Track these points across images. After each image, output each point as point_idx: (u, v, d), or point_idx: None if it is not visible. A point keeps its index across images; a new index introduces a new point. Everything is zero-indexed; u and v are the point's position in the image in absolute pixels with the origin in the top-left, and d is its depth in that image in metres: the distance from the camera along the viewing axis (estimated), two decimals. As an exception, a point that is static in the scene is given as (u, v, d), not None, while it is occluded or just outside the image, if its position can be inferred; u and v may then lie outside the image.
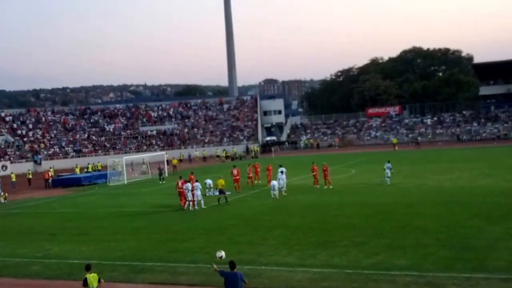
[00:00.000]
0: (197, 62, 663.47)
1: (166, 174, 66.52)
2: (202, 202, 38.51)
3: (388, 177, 43.54)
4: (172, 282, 20.48)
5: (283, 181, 42.04)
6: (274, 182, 40.86)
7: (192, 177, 43.04)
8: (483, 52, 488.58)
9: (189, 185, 38.66)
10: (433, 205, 32.60)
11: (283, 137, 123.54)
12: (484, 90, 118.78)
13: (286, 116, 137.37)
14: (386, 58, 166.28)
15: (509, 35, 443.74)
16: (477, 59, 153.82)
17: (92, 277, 15.79)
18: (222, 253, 15.50)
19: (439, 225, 26.56)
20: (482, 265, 19.42)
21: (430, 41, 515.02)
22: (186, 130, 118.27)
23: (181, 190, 39.48)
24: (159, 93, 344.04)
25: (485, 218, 27.69)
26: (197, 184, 38.72)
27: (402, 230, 25.86)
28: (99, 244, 28.02)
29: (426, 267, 19.64)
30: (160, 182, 59.70)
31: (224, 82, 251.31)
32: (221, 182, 41.79)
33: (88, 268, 16.12)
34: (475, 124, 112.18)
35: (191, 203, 38.21)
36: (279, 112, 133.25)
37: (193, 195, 38.24)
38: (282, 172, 42.91)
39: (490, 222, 26.58)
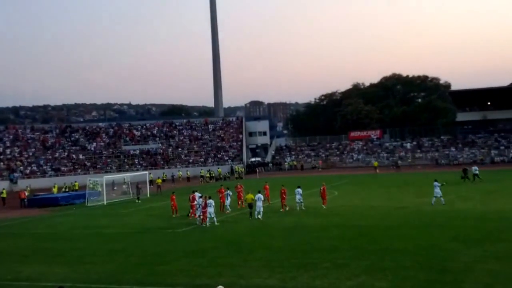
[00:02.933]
0: (183, 82, 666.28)
1: (148, 195, 66.06)
2: (215, 219, 38.97)
3: (440, 196, 43.26)
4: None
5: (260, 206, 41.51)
6: (259, 204, 40.62)
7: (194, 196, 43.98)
8: (460, 80, 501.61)
9: (200, 200, 40.07)
10: (412, 228, 32.78)
11: (268, 158, 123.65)
12: (461, 117, 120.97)
13: (271, 138, 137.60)
14: (367, 83, 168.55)
15: (484, 65, 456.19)
16: (454, 87, 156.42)
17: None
18: None
19: (419, 247, 26.65)
20: (460, 288, 19.37)
21: (409, 69, 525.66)
22: (170, 149, 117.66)
23: (194, 204, 41.68)
24: (144, 112, 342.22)
25: (463, 241, 27.92)
26: (211, 201, 39.42)
27: (383, 252, 25.87)
28: (74, 266, 27.39)
29: (406, 289, 19.53)
30: (137, 201, 59.51)
31: (210, 103, 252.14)
32: (251, 196, 41.98)
33: None
34: (452, 149, 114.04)
35: (198, 218, 39.72)
36: (264, 133, 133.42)
37: (205, 212, 39.25)
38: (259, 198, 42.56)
39: (467, 245, 26.77)
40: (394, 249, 26.55)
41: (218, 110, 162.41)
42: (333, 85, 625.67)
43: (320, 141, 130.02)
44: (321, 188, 46.58)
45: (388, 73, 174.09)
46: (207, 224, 38.72)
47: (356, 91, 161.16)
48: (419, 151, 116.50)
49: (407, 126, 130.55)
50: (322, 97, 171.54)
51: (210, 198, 40.23)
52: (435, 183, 44.01)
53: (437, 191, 43.45)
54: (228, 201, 42.38)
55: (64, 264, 27.93)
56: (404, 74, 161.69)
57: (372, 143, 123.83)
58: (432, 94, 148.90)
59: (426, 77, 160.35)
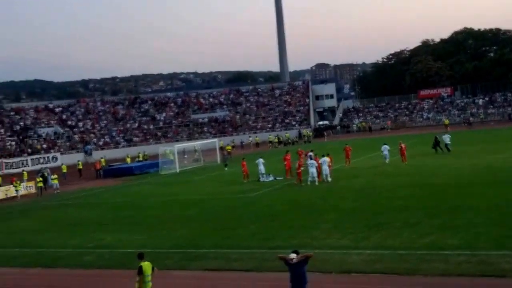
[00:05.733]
0: (247, 48, 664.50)
1: (219, 162, 66.69)
2: (316, 180, 39.58)
3: None
4: (226, 268, 20.66)
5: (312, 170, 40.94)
6: (325, 167, 40.71)
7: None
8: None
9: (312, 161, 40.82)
10: (485, 185, 32.26)
11: (336, 121, 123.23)
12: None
13: (338, 100, 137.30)
14: (437, 39, 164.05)
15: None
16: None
17: (146, 266, 16.00)
18: (294, 256, 15.07)
19: (491, 204, 26.28)
20: (536, 243, 19.25)
21: (481, 22, 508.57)
22: (237, 116, 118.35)
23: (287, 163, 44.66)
24: (210, 80, 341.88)
25: (539, 196, 27.30)
26: (312, 161, 40.40)
27: (454, 210, 25.74)
28: (152, 232, 28.21)
29: (478, 245, 19.64)
30: (226, 169, 58.50)
31: (275, 67, 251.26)
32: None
33: (140, 257, 16.30)
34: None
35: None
36: (331, 96, 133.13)
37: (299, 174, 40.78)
38: (310, 157, 42.68)
39: (543, 201, 26.22)
40: (466, 207, 26.30)
41: (283, 74, 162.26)
42: (401, 43, 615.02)
43: (389, 101, 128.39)
44: (401, 146, 47.74)
45: (459, 27, 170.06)
46: (308, 183, 39.55)
47: (426, 48, 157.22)
48: (491, 107, 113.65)
49: (479, 82, 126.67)
50: (390, 56, 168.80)
51: (311, 158, 40.99)
52: None
53: None
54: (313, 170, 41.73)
55: (142, 231, 28.77)
56: (476, 27, 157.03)
57: (442, 101, 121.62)
58: (505, 48, 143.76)
59: (498, 30, 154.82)
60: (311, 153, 44.13)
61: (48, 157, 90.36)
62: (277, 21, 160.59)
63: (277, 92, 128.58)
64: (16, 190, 52.09)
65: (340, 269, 18.94)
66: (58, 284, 21.50)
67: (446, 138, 54.30)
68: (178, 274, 20.67)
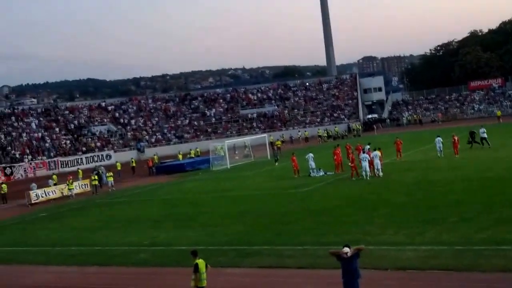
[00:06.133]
0: (294, 43, 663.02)
1: (269, 157, 66.67)
2: (368, 174, 39.33)
3: None
4: (279, 265, 20.58)
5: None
6: (377, 161, 40.34)
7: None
8: None
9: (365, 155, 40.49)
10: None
11: (385, 114, 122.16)
12: None
13: (387, 93, 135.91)
14: (485, 30, 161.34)
15: None
16: None
17: (201, 263, 16.08)
18: (348, 250, 14.85)
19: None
20: None
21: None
22: (286, 111, 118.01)
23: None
24: (257, 76, 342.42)
25: None
26: (365, 155, 39.95)
27: (511, 204, 25.14)
28: (205, 229, 28.29)
29: (539, 240, 19.09)
30: (276, 164, 58.07)
31: (322, 62, 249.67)
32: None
33: (195, 254, 16.37)
34: None
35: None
36: (379, 89, 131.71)
37: (354, 167, 40.61)
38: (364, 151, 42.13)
39: None
40: (523, 200, 25.71)
41: (330, 68, 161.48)
42: (449, 34, 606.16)
43: (438, 93, 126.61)
44: (454, 139, 47.20)
45: (507, 17, 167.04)
46: (364, 177, 39.26)
47: (474, 38, 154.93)
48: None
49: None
50: (438, 48, 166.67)
51: (364, 152, 40.83)
52: None
53: None
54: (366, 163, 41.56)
55: (195, 228, 28.92)
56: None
57: (494, 92, 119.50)
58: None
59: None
60: (367, 146, 43.72)
61: (102, 155, 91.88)
62: (322, 15, 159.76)
63: (325, 86, 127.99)
64: (69, 189, 52.44)
65: (395, 265, 18.71)
66: (114, 282, 21.72)
67: (482, 132, 52.69)
68: (232, 272, 20.71)
